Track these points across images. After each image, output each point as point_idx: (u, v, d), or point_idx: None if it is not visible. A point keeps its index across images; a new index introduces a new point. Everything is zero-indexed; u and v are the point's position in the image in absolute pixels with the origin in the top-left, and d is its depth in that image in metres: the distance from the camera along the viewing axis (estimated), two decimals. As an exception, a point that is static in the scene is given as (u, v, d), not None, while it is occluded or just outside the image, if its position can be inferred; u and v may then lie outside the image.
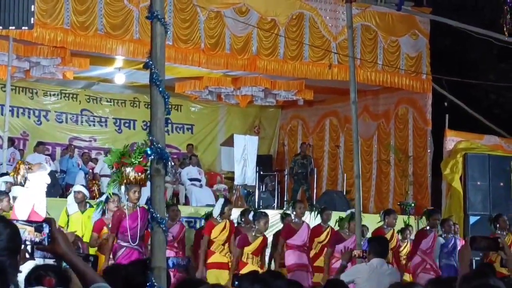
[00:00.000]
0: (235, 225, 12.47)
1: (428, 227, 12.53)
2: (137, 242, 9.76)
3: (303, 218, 12.58)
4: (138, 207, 9.88)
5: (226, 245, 11.48)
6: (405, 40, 17.59)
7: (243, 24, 15.78)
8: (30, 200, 9.25)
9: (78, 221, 11.05)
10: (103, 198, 11.16)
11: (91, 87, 19.85)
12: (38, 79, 17.77)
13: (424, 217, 13.54)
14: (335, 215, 13.42)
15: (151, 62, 3.72)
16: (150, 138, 3.67)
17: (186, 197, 17.15)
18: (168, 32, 14.34)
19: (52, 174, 9.22)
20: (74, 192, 11.23)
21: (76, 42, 14.45)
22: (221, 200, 12.04)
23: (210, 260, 11.40)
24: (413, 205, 17.25)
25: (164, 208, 3.68)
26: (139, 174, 10.42)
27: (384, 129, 19.15)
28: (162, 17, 3.75)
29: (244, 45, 15.92)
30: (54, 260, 3.29)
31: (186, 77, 17.88)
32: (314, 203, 17.69)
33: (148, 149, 3.67)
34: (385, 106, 19.22)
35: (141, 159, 10.89)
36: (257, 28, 15.88)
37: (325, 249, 11.96)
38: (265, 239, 11.33)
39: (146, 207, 11.23)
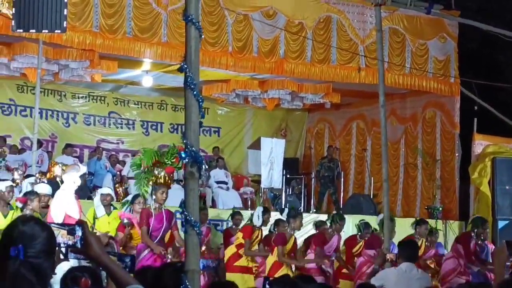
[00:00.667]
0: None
1: (473, 233, 12.24)
2: (158, 243, 9.85)
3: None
4: (163, 209, 9.95)
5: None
6: (433, 43, 17.51)
7: (271, 27, 15.79)
8: (63, 201, 9.31)
9: (105, 223, 11.10)
10: (129, 197, 11.21)
11: (119, 89, 19.97)
12: (67, 82, 17.91)
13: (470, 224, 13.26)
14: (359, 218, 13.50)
15: (185, 66, 3.73)
16: (185, 141, 3.69)
17: (212, 199, 17.18)
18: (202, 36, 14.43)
19: (82, 176, 9.24)
20: (102, 195, 11.26)
21: (105, 45, 14.52)
22: (260, 208, 12.13)
23: (236, 264, 11.46)
24: (440, 209, 17.14)
25: (198, 211, 3.69)
26: (169, 175, 10.51)
27: (412, 133, 19.06)
28: (196, 20, 3.77)
29: (271, 48, 15.93)
30: (88, 261, 3.31)
31: (213, 80, 17.92)
32: (341, 206, 17.68)
33: (182, 152, 3.68)
34: (412, 110, 19.14)
35: (174, 160, 10.99)
36: (285, 31, 15.88)
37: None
38: (295, 238, 11.40)
39: (180, 209, 11.35)
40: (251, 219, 12.13)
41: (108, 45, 14.58)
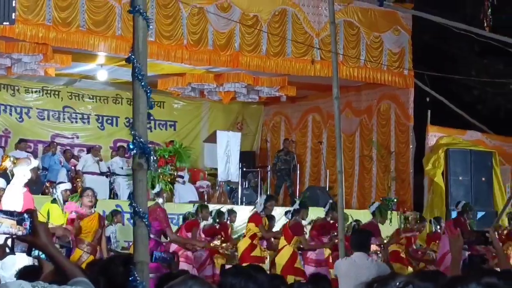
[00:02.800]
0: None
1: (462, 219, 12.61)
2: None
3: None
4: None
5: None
6: (388, 36, 17.65)
7: (226, 20, 15.76)
8: (13, 194, 9.19)
9: (60, 218, 10.99)
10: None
11: (73, 84, 19.76)
12: (20, 76, 17.69)
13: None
14: (318, 211, 13.55)
15: (133, 57, 3.71)
16: (133, 132, 3.66)
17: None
18: (151, 28, 14.29)
19: (33, 169, 9.13)
20: (64, 190, 11.17)
21: (58, 39, 14.38)
22: (264, 196, 12.41)
23: (252, 254, 11.61)
24: (395, 200, 17.33)
25: (146, 203, 3.68)
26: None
27: (367, 125, 19.20)
28: (144, 11, 3.74)
29: (226, 41, 15.90)
30: (24, 251, 3.25)
31: (169, 73, 17.83)
32: (297, 199, 17.75)
33: (130, 144, 3.66)
34: (367, 102, 19.27)
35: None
36: (240, 24, 15.87)
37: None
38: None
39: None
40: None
41: (61, 39, 14.43)
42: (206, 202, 16.06)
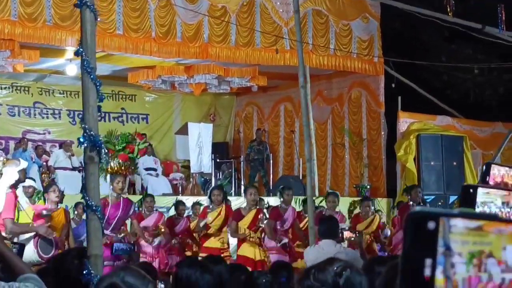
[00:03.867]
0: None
1: (411, 202, 12.39)
2: (110, 229, 9.84)
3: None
4: (121, 198, 9.93)
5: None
6: (357, 23, 17.71)
7: (194, 11, 15.72)
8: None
9: (30, 214, 10.94)
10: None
11: (43, 79, 19.64)
12: (-12, 73, 17.56)
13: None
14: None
15: (81, 50, 3.70)
16: (83, 126, 3.66)
17: (142, 186, 17.11)
18: (119, 21, 14.16)
19: (20, 170, 9.09)
20: (24, 187, 11.10)
21: (25, 34, 14.26)
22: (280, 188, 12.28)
23: (205, 245, 11.43)
24: (368, 187, 17.41)
25: (99, 195, 3.67)
26: (123, 163, 10.42)
27: (338, 113, 19.27)
28: (91, 3, 3.73)
29: (195, 32, 15.86)
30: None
31: (139, 66, 17.79)
32: (271, 188, 17.81)
33: (81, 137, 3.66)
34: (338, 90, 19.33)
35: (125, 146, 10.91)
36: (208, 16, 15.83)
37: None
38: (258, 211, 11.36)
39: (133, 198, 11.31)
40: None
41: (28, 34, 14.32)
42: (180, 195, 16.09)
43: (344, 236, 11.23)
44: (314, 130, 18.03)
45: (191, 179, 17.82)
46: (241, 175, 18.96)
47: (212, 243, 11.32)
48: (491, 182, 2.27)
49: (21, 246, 3.59)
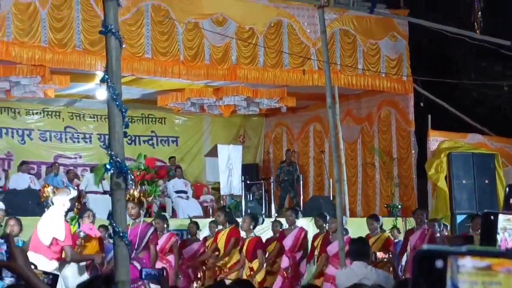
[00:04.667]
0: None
1: (415, 225, 12.41)
2: (132, 256, 9.83)
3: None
4: (141, 222, 9.99)
5: None
6: (385, 42, 17.66)
7: (221, 34, 15.80)
8: (51, 223, 9.25)
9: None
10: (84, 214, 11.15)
11: (74, 104, 19.82)
12: (20, 99, 17.70)
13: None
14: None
15: (107, 77, 3.73)
16: (109, 152, 3.68)
17: (173, 209, 17.13)
18: (147, 46, 14.27)
19: (72, 199, 9.20)
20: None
21: (55, 60, 14.42)
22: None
23: None
24: (400, 207, 17.28)
25: (126, 222, 3.68)
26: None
27: (368, 132, 19.19)
28: (116, 30, 3.76)
29: (223, 54, 15.93)
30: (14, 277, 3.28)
31: (168, 89, 17.90)
32: (301, 209, 17.74)
33: (107, 163, 3.67)
34: (367, 109, 19.27)
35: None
36: (235, 38, 15.89)
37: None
38: (252, 240, 11.31)
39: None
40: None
41: (58, 60, 14.47)
42: (210, 217, 16.08)
43: (377, 257, 11.15)
44: (344, 150, 17.99)
45: (221, 201, 17.81)
46: (272, 197, 18.91)
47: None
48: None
49: (54, 277, 3.60)
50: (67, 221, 10.42)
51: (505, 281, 1.01)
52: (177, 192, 17.39)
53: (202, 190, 19.14)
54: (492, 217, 1.72)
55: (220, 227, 12.49)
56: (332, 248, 11.11)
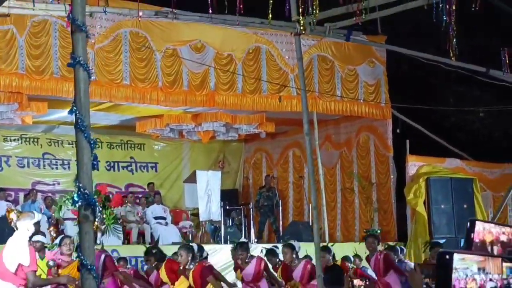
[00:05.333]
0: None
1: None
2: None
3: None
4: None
5: None
6: (363, 68, 17.77)
7: (200, 60, 15.82)
8: (16, 249, 9.13)
9: (43, 268, 10.92)
10: (57, 240, 11.06)
11: (52, 130, 19.75)
12: (-3, 125, 17.66)
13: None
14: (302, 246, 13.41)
15: (75, 108, 3.71)
16: (77, 184, 3.66)
17: (152, 236, 17.05)
18: (126, 72, 14.24)
19: (36, 223, 9.07)
20: (32, 241, 11.09)
21: (32, 86, 14.39)
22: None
23: None
24: (379, 231, 17.23)
25: (94, 254, 3.65)
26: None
27: (347, 157, 19.24)
28: (84, 62, 3.76)
29: (202, 81, 15.95)
30: None
31: (147, 115, 17.88)
32: (281, 234, 17.72)
33: (75, 195, 3.65)
34: (346, 135, 19.33)
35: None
36: (214, 67, 15.91)
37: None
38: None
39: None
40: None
41: (36, 86, 14.44)
42: (190, 243, 15.98)
43: (354, 284, 11.14)
44: (323, 175, 18.00)
45: (200, 227, 17.76)
46: (251, 222, 18.86)
47: None
48: (476, 240, 2.23)
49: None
50: (33, 246, 10.30)
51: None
52: (156, 218, 17.33)
53: (181, 216, 19.09)
54: (447, 256, 1.73)
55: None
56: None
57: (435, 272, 4.86)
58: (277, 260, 12.05)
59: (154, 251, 11.83)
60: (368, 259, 12.09)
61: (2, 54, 14.03)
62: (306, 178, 19.87)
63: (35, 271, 7.99)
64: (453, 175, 17.47)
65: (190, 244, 12.08)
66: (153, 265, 11.54)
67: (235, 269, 12.05)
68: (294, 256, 11.61)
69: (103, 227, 14.03)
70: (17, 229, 9.06)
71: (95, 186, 16.82)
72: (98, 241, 10.60)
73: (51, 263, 9.86)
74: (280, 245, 14.44)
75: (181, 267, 10.84)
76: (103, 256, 10.07)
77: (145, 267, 12.61)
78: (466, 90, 20.55)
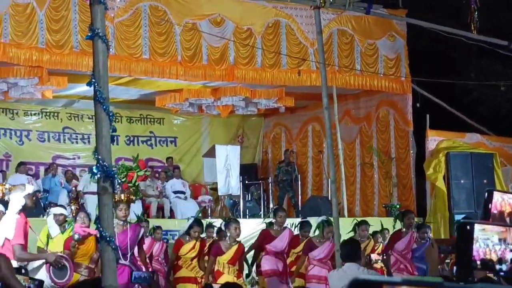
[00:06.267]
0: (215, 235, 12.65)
1: (403, 229, 12.23)
2: (128, 259, 9.81)
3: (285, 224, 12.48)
4: (129, 224, 9.94)
5: (194, 260, 11.50)
6: (383, 42, 17.62)
7: (220, 34, 15.78)
8: (6, 222, 9.14)
9: (59, 241, 10.99)
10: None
11: (72, 104, 19.82)
12: (18, 100, 17.71)
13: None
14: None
15: (94, 80, 3.71)
16: (96, 156, 3.66)
17: (171, 210, 17.13)
18: (145, 47, 14.27)
19: (27, 195, 9.04)
20: (55, 215, 11.17)
21: (52, 61, 14.43)
22: (190, 220, 12.00)
23: (177, 275, 11.40)
24: (398, 206, 17.23)
25: (113, 226, 3.67)
26: (126, 191, 10.45)
27: (366, 132, 19.16)
28: (103, 34, 3.75)
29: (221, 55, 15.91)
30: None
31: (166, 90, 17.89)
32: (300, 209, 17.74)
33: (94, 167, 3.65)
34: (366, 109, 19.24)
35: (125, 177, 10.98)
36: (233, 41, 15.86)
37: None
38: (240, 247, 11.19)
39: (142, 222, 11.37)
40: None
41: (55, 61, 14.48)
42: (209, 217, 16.04)
43: (371, 259, 11.14)
44: (342, 150, 17.97)
45: (219, 201, 17.80)
46: (270, 197, 18.90)
47: (184, 272, 11.31)
48: (494, 211, 2.21)
49: (40, 282, 3.59)
50: (25, 219, 10.33)
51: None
52: (175, 192, 17.38)
53: (201, 190, 19.15)
54: (468, 227, 1.71)
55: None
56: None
57: (453, 249, 4.86)
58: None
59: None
60: (399, 234, 12.01)
61: (22, 28, 14.06)
62: (325, 153, 19.82)
63: (22, 244, 7.83)
64: (473, 150, 17.37)
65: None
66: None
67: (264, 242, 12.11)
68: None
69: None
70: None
71: (115, 160, 17.00)
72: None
73: (76, 236, 9.91)
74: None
75: None
76: (142, 229, 10.10)
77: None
78: (487, 64, 20.38)
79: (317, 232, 11.93)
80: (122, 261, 9.63)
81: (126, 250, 9.71)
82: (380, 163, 18.61)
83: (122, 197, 9.84)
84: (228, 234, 11.00)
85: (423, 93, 18.20)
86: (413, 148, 17.94)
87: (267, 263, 11.67)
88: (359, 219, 13.39)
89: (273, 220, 12.28)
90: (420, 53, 19.11)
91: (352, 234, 12.38)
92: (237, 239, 11.11)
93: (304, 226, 12.26)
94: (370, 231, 12.92)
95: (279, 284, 11.42)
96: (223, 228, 11.64)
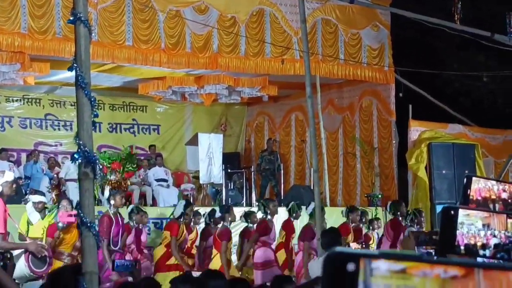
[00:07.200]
0: (204, 225, 12.66)
1: (400, 218, 12.42)
2: (119, 246, 9.84)
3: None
4: (118, 213, 9.98)
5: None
6: (366, 32, 17.64)
7: (203, 21, 15.72)
8: None
9: (39, 228, 10.95)
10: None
11: (54, 91, 19.71)
12: (0, 86, 17.61)
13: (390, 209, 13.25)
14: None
15: (75, 65, 3.68)
16: (78, 141, 3.64)
17: (153, 198, 17.10)
18: (128, 33, 14.17)
19: (5, 182, 8.94)
20: (34, 202, 11.15)
21: (35, 47, 14.32)
22: (182, 202, 12.03)
23: (168, 263, 11.36)
24: (380, 196, 17.31)
25: (94, 212, 3.65)
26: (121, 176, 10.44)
27: (349, 122, 19.20)
28: (85, 18, 3.72)
29: (205, 43, 15.86)
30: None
31: (149, 77, 17.82)
32: (282, 198, 17.75)
33: (75, 153, 3.63)
34: (349, 99, 19.27)
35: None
36: (217, 29, 15.81)
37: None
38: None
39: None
40: (173, 214, 12.00)
41: (38, 46, 14.36)
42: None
43: (351, 248, 11.15)
44: (325, 139, 17.97)
45: (202, 189, 17.78)
46: (252, 185, 18.90)
47: (174, 260, 11.33)
48: (478, 197, 2.22)
49: (44, 262, 3.56)
50: (5, 206, 10.23)
51: (419, 284, 0.99)
52: (157, 180, 17.34)
53: (183, 178, 19.12)
54: (452, 212, 1.71)
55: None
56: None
57: (432, 239, 4.87)
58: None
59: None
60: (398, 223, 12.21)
61: (4, 13, 13.94)
62: (308, 142, 19.82)
63: (2, 233, 7.71)
64: (455, 141, 17.43)
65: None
66: None
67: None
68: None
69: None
70: None
71: (97, 147, 16.96)
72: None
73: (60, 225, 9.87)
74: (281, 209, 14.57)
75: None
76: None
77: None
78: (470, 55, 20.45)
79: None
80: (113, 248, 9.68)
81: (120, 239, 9.78)
82: (363, 152, 18.66)
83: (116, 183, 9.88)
84: (229, 219, 11.52)
85: (406, 83, 18.25)
86: (396, 138, 18.01)
87: (263, 255, 11.70)
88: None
89: (266, 211, 12.24)
90: (404, 43, 19.14)
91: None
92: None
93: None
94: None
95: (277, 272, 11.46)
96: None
